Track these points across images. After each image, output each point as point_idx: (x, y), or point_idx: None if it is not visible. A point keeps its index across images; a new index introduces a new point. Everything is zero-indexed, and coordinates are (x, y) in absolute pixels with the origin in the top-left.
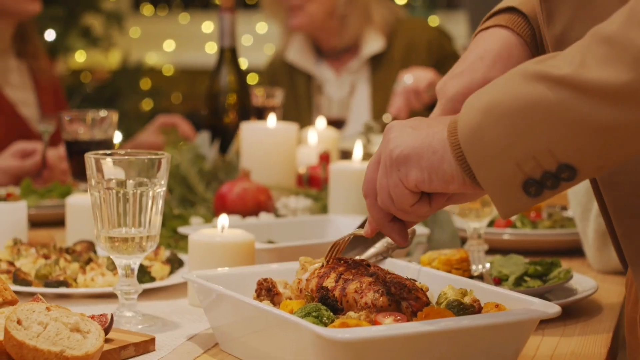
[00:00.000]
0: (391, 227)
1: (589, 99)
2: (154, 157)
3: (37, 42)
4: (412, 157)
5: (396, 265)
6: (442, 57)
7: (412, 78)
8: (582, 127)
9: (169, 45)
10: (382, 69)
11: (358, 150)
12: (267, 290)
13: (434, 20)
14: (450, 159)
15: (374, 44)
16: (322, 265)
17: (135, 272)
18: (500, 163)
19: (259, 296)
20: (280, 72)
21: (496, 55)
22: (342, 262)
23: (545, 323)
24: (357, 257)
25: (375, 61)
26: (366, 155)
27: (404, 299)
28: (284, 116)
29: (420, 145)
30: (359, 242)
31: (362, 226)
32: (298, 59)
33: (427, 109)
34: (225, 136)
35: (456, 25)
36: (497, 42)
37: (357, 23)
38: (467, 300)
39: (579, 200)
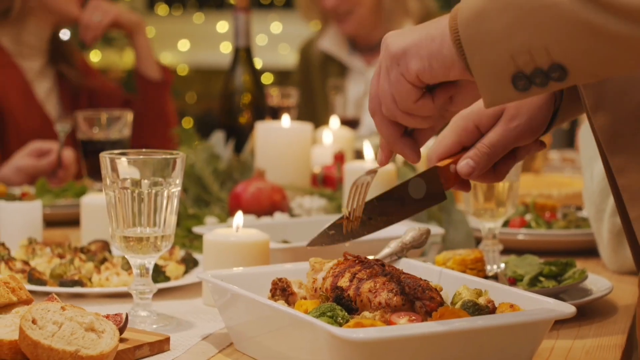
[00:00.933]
0: (402, 142)
1: (601, 7)
2: (168, 156)
3: (73, 48)
4: (410, 49)
5: (411, 266)
6: None
7: None
8: (585, 31)
9: (184, 44)
10: None
11: (367, 151)
12: (281, 290)
13: None
14: (449, 44)
15: None
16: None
17: (150, 271)
18: (495, 51)
19: (273, 296)
20: (313, 59)
21: None
22: (357, 261)
23: (560, 323)
24: (372, 257)
25: None
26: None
27: (418, 298)
28: (314, 102)
29: (417, 37)
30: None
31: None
32: (332, 49)
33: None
34: (239, 136)
35: None
36: None
37: (398, 17)
38: (481, 300)
39: (593, 201)
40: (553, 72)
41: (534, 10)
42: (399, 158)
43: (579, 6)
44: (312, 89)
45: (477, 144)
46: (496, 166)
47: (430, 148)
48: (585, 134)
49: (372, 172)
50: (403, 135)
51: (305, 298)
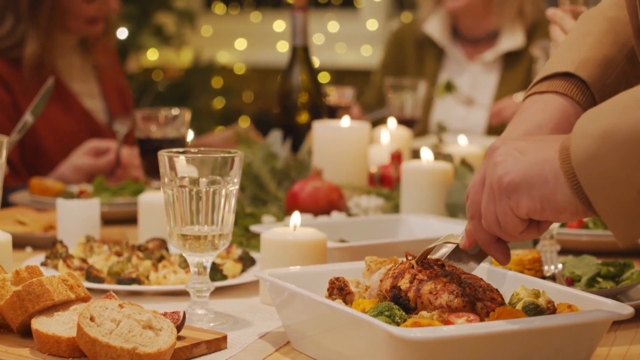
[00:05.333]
0: (495, 247)
1: None
2: (227, 155)
3: (103, 39)
4: (522, 186)
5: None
6: None
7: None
8: None
9: (241, 43)
10: (515, 67)
11: (425, 154)
12: (339, 290)
13: None
14: (564, 189)
15: (513, 38)
16: (399, 264)
17: (208, 270)
18: (620, 192)
19: (330, 295)
20: (408, 42)
21: (555, 125)
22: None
23: (617, 324)
24: (432, 257)
25: (509, 58)
26: (437, 155)
27: (479, 299)
28: (401, 82)
29: (530, 173)
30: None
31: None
32: (435, 33)
33: None
34: (297, 135)
35: None
36: (555, 111)
37: (509, 15)
38: (542, 301)
39: None
40: None
41: None
42: (457, 157)
43: None
44: (404, 73)
45: None
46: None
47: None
48: None
49: (450, 242)
50: (497, 241)
51: (363, 297)
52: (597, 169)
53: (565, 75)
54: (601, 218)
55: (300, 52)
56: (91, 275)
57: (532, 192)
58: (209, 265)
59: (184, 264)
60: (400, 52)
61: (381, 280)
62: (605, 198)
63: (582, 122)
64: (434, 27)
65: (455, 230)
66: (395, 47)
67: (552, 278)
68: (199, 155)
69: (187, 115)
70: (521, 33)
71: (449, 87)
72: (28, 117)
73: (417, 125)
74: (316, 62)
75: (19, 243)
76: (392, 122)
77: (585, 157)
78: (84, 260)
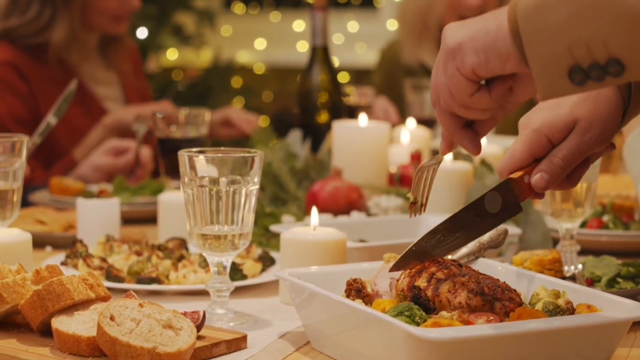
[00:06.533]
0: (462, 134)
1: None
2: (246, 155)
3: (122, 41)
4: (466, 43)
5: (489, 266)
6: None
7: None
8: None
9: (260, 43)
10: None
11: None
12: (357, 291)
13: None
14: (505, 35)
15: None
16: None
17: (228, 269)
18: (553, 43)
19: (348, 296)
20: (397, 64)
21: (585, 94)
22: (434, 261)
23: (637, 325)
24: (449, 257)
25: None
26: (457, 155)
27: (497, 299)
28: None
29: (474, 30)
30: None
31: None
32: (429, 60)
33: None
34: (316, 135)
35: None
36: None
37: None
38: (561, 302)
39: None
40: (610, 66)
41: (594, 3)
42: (476, 157)
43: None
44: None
45: (550, 157)
46: (570, 173)
47: (501, 161)
48: (634, 144)
49: (438, 157)
50: (463, 127)
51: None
52: (539, 18)
53: None
54: (530, 68)
55: (320, 52)
56: (111, 274)
57: (474, 46)
58: (228, 264)
59: (204, 264)
60: (392, 73)
61: (397, 280)
62: (538, 48)
63: None
64: (423, 54)
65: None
66: (386, 67)
67: (572, 278)
68: (219, 155)
69: (207, 115)
70: None
71: None
72: (50, 119)
73: (436, 125)
74: (336, 61)
75: (38, 242)
76: (411, 122)
77: (531, 5)
78: (103, 260)
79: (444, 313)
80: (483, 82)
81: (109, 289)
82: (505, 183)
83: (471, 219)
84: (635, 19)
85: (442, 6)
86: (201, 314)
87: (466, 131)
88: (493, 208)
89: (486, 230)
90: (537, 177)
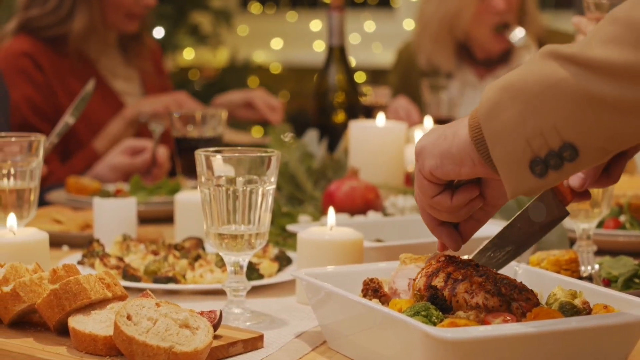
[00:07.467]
0: (439, 230)
1: (592, 74)
2: (263, 154)
3: (143, 40)
4: (426, 147)
5: (506, 266)
6: None
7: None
8: (584, 102)
9: (277, 43)
10: None
11: None
12: (373, 291)
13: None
14: (460, 142)
15: (528, 53)
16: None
17: (244, 269)
18: (513, 139)
19: (365, 296)
20: (413, 65)
21: None
22: (451, 261)
23: None
24: (466, 257)
25: None
26: None
27: (514, 299)
28: (438, 82)
29: (435, 136)
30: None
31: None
32: (443, 65)
33: None
34: (333, 134)
35: (566, 25)
36: None
37: (529, 28)
38: (577, 302)
39: None
40: (564, 151)
41: (540, 92)
42: None
43: (577, 79)
44: (414, 92)
45: None
46: (609, 168)
47: None
48: None
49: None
50: (441, 224)
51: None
52: (496, 120)
53: None
54: (497, 169)
55: (337, 52)
56: (128, 273)
57: (433, 151)
58: (245, 264)
59: (221, 263)
60: (408, 74)
61: (414, 279)
62: (501, 147)
63: (496, 80)
64: (440, 59)
65: (491, 231)
66: (402, 67)
67: (589, 278)
68: (236, 154)
69: (224, 115)
70: (535, 48)
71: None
72: (68, 119)
73: None
74: (352, 61)
75: (55, 242)
76: (428, 121)
77: (488, 106)
78: (120, 259)
79: (460, 313)
80: (451, 185)
81: (126, 288)
82: (545, 191)
83: (519, 232)
84: (576, 98)
85: (470, 14)
86: (218, 313)
87: (444, 228)
88: (538, 217)
89: (536, 240)
90: (572, 178)
